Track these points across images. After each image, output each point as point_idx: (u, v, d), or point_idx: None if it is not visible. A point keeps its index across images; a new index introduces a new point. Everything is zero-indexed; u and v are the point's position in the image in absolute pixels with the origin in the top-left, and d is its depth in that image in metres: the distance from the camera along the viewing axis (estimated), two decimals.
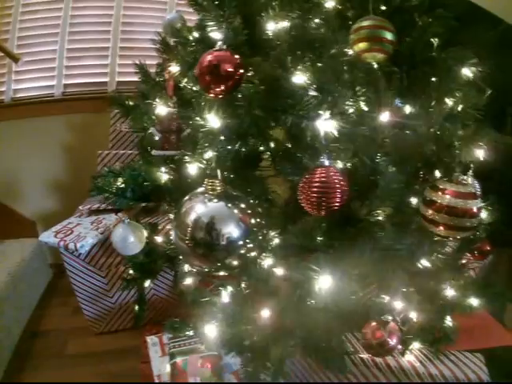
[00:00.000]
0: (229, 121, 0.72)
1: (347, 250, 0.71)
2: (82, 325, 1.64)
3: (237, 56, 0.72)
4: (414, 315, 0.92)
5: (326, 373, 1.06)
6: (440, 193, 0.79)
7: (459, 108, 0.92)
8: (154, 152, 1.02)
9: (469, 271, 1.05)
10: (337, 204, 0.69)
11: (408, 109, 0.87)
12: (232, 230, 0.76)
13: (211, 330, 0.81)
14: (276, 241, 0.87)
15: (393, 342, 0.78)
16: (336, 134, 0.67)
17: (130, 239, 1.05)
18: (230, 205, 0.78)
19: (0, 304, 1.49)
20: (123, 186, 1.07)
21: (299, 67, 0.69)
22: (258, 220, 0.87)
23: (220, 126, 0.72)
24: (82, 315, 1.62)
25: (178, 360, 1.09)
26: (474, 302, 0.95)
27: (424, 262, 0.87)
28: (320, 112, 0.66)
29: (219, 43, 0.74)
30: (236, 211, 0.77)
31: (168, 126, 0.99)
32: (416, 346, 0.99)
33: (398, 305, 0.84)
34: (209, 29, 0.81)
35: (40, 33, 1.96)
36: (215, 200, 0.78)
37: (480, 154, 0.94)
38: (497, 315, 1.64)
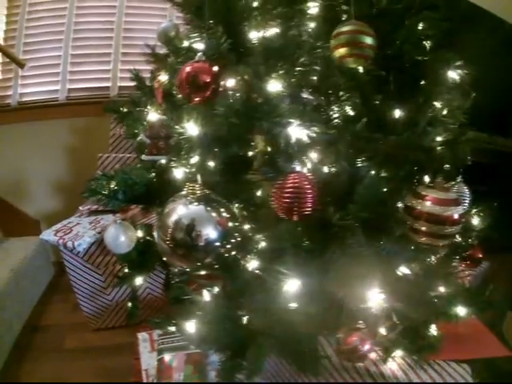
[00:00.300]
0: (207, 128, 0.76)
1: (318, 254, 0.74)
2: (80, 321, 1.71)
3: (214, 67, 0.77)
4: (398, 322, 0.90)
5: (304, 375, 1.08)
6: (421, 199, 0.78)
7: (444, 112, 0.92)
8: (143, 157, 1.08)
9: (457, 279, 1.02)
10: (308, 209, 0.72)
11: (397, 113, 0.87)
12: (210, 232, 0.80)
13: (191, 327, 0.85)
14: (263, 244, 0.88)
15: (364, 348, 0.77)
16: (308, 140, 0.70)
17: (121, 238, 1.11)
18: (208, 208, 0.82)
19: (2, 299, 1.56)
20: (116, 188, 1.13)
21: (273, 75, 0.73)
22: (247, 223, 0.92)
23: (199, 133, 0.77)
24: (80, 312, 1.68)
25: (166, 356, 1.14)
26: (461, 310, 0.93)
27: (404, 269, 0.86)
28: (291, 119, 0.69)
29: (199, 54, 0.78)
30: (214, 214, 0.82)
31: (157, 132, 1.04)
32: (399, 353, 0.97)
33: (375, 311, 0.82)
34: (191, 40, 0.86)
35: (45, 39, 2.04)
36: (195, 203, 0.82)
37: (467, 158, 0.95)
38: (496, 323, 1.61)
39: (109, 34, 2.10)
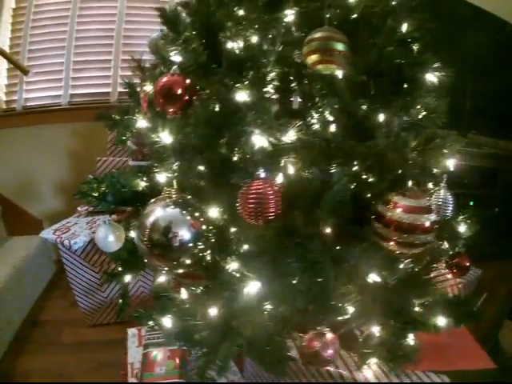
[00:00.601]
0: (180, 137, 0.82)
1: (282, 259, 0.77)
2: (77, 317, 1.79)
3: (188, 80, 0.83)
4: (375, 330, 0.90)
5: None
6: (391, 206, 0.76)
7: (420, 116, 0.92)
8: (130, 162, 1.14)
9: (437, 287, 0.97)
10: (271, 214, 0.77)
11: (376, 118, 0.87)
12: (184, 234, 0.86)
13: (167, 323, 0.91)
14: (245, 246, 0.90)
15: (326, 353, 0.79)
16: (271, 147, 0.74)
17: (110, 238, 1.18)
18: (184, 211, 0.88)
19: (4, 294, 1.64)
20: (105, 191, 1.20)
21: (238, 85, 0.78)
22: (229, 226, 0.96)
23: (172, 142, 0.83)
24: (78, 308, 1.76)
25: (151, 351, 1.20)
26: (441, 321, 0.90)
27: (374, 277, 0.84)
28: (253, 128, 0.74)
29: (174, 67, 0.84)
30: (188, 217, 0.87)
31: (142, 139, 1.11)
32: (374, 361, 0.96)
33: (340, 317, 0.83)
34: (170, 53, 0.92)
35: (48, 46, 2.14)
36: (172, 206, 0.88)
37: (447, 163, 0.95)
38: (493, 331, 1.60)
39: (109, 41, 2.18)
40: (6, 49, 2.08)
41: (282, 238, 0.79)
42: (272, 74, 0.82)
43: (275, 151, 0.76)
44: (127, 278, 1.31)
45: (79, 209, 1.85)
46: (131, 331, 1.36)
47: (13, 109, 2.17)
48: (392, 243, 0.76)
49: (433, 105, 0.94)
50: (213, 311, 0.87)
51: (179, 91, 0.81)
